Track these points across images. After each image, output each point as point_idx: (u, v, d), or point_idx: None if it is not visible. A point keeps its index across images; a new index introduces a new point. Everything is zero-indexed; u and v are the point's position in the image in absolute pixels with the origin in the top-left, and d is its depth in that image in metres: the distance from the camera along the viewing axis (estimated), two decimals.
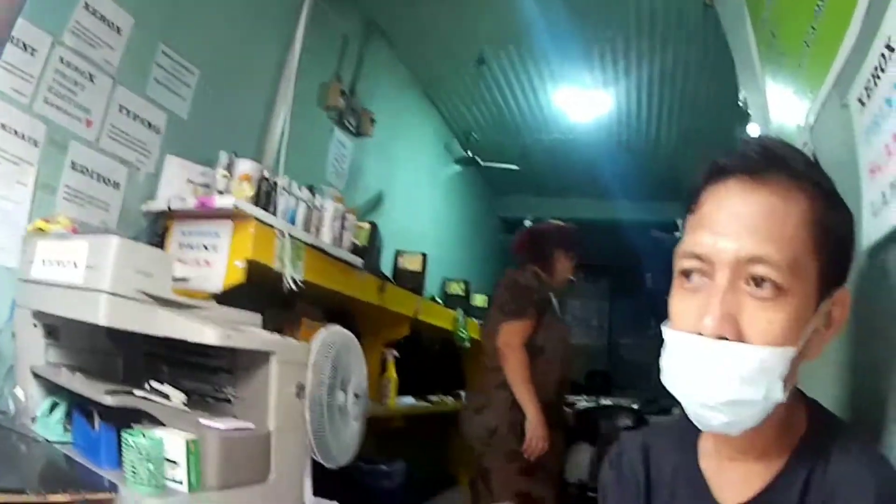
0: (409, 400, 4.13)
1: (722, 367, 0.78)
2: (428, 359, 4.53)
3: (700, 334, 0.80)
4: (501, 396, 3.05)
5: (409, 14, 4.47)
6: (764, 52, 1.96)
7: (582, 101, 5.36)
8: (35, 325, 1.95)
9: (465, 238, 6.86)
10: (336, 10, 4.06)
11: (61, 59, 2.55)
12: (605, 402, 5.71)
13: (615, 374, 8.18)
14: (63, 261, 1.86)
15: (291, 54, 3.58)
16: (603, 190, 6.69)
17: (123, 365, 2.16)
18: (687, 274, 0.85)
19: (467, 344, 4.66)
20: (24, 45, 2.40)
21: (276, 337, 2.04)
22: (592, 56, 4.68)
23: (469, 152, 6.07)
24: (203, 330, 1.78)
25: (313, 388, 2.08)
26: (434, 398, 4.48)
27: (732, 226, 0.80)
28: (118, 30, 2.79)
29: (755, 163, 0.83)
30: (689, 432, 0.93)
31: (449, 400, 4.63)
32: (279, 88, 3.63)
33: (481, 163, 6.08)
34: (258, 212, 2.57)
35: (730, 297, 0.79)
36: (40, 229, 2.22)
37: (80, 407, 1.80)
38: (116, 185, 2.81)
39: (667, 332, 0.85)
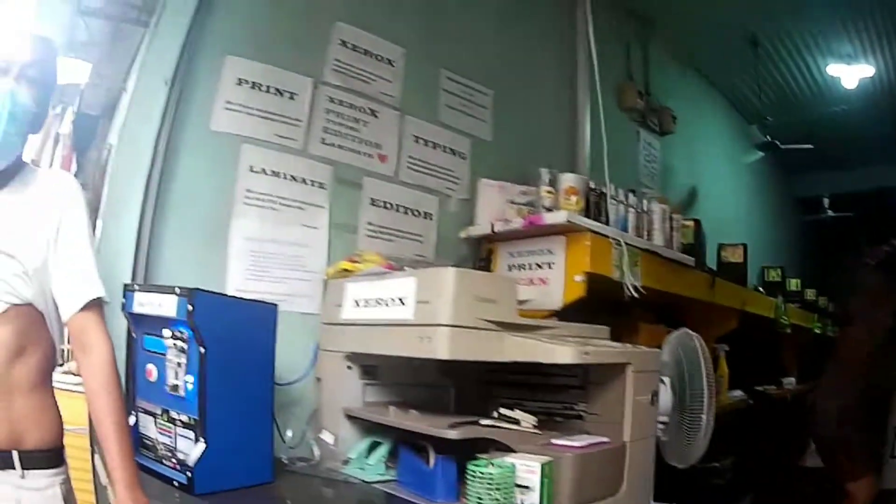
0: (738, 393, 4.07)
1: None
2: (752, 349, 4.42)
3: None
4: None
5: (681, 6, 4.34)
6: None
7: (848, 71, 5.44)
8: (349, 368, 1.93)
9: (768, 223, 6.92)
10: (611, 13, 3.78)
11: (331, 99, 2.33)
12: None
13: None
14: (384, 299, 1.78)
15: (580, 61, 3.38)
16: (886, 155, 6.57)
17: (456, 395, 2.12)
18: None
19: (788, 330, 4.62)
20: (279, 90, 2.18)
21: (629, 348, 1.99)
22: (851, 28, 4.73)
23: (768, 136, 5.95)
24: (558, 350, 1.68)
25: (667, 393, 2.08)
26: (760, 388, 4.48)
27: None
28: (389, 62, 2.53)
29: None
30: None
31: (773, 389, 4.68)
32: (577, 97, 3.33)
33: (780, 146, 5.88)
34: (592, 224, 2.50)
35: None
36: (346, 270, 2.04)
37: (407, 444, 1.76)
38: (427, 216, 2.57)
39: None
